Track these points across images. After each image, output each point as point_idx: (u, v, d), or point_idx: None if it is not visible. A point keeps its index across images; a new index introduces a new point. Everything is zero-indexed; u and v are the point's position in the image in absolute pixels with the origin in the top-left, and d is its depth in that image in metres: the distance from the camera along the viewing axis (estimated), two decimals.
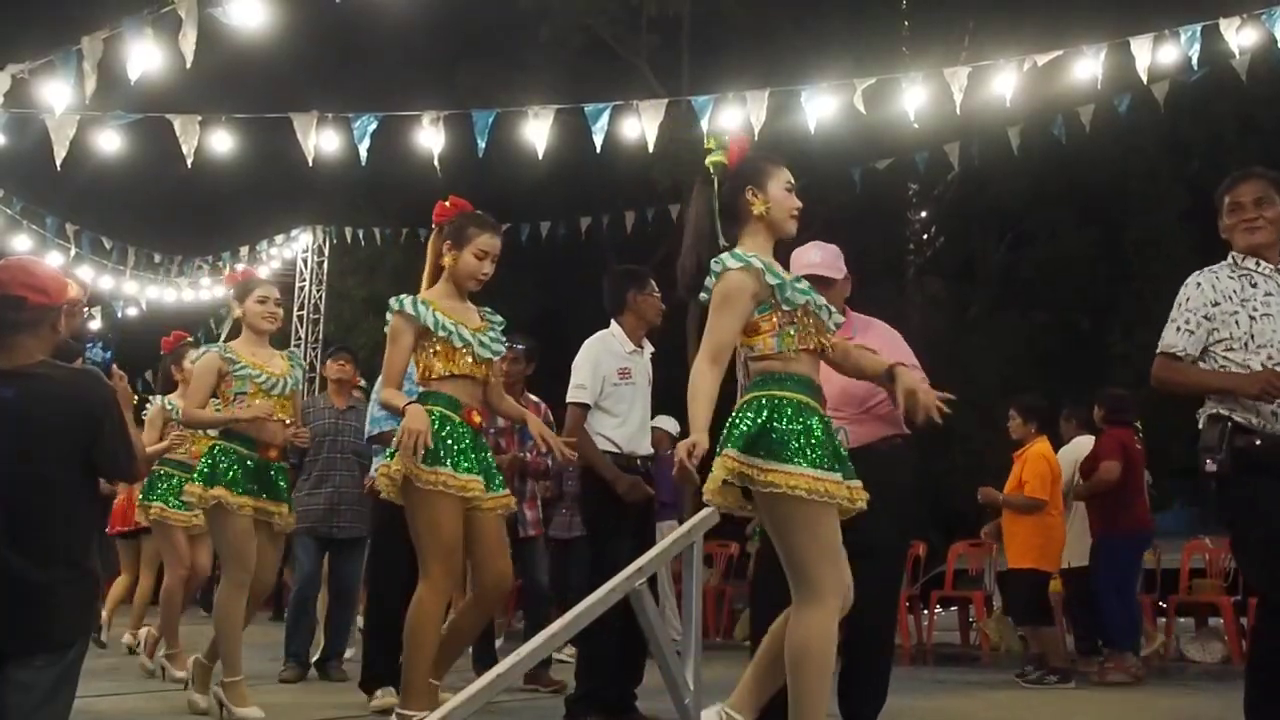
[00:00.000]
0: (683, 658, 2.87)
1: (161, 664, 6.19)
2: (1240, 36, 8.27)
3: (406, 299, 3.93)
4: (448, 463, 3.76)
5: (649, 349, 4.97)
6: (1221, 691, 6.58)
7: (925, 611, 8.93)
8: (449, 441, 3.79)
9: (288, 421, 4.79)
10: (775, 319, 3.14)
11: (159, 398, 6.29)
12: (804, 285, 3.21)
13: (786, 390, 3.07)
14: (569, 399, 4.74)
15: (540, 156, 8.58)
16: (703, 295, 3.19)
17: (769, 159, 3.39)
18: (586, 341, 4.85)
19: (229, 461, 4.64)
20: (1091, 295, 19.17)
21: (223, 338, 4.96)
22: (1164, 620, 8.62)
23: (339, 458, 6.42)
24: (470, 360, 3.91)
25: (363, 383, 7.04)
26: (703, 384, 3.03)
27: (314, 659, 6.52)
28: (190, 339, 6.45)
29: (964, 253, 20.50)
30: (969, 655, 8.88)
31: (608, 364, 4.73)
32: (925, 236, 20.03)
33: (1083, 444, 7.68)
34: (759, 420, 3.01)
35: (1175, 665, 8.20)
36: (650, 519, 4.83)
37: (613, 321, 4.92)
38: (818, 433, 3.03)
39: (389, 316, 3.93)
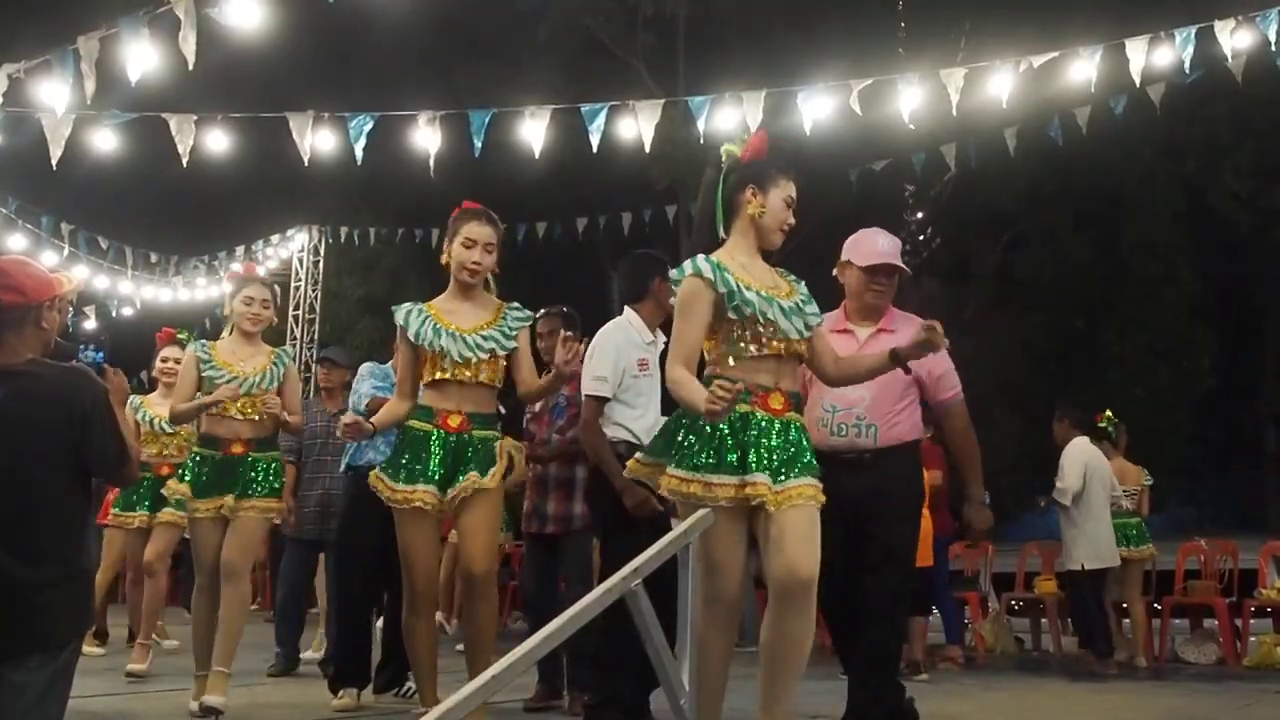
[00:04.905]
0: (679, 659, 2.86)
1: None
2: (1235, 39, 8.29)
3: (403, 309, 4.04)
4: (400, 477, 3.91)
5: (662, 339, 4.69)
6: (1217, 692, 6.59)
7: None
8: (405, 457, 3.93)
9: (257, 418, 4.84)
10: (727, 327, 3.19)
11: (133, 398, 6.30)
12: (754, 294, 3.21)
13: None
14: (587, 391, 4.51)
15: (537, 156, 8.58)
16: (671, 300, 3.29)
17: (779, 168, 3.35)
18: (604, 330, 4.64)
19: (194, 465, 4.84)
20: (1087, 297, 19.21)
21: (226, 333, 5.02)
22: (1159, 621, 8.61)
23: (330, 460, 6.43)
24: (450, 364, 3.95)
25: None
26: (689, 386, 3.10)
27: (318, 660, 6.53)
28: (182, 334, 6.42)
29: (960, 254, 20.53)
30: (964, 657, 8.88)
31: (629, 355, 4.53)
32: (921, 237, 20.06)
33: (1081, 444, 7.77)
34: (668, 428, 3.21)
35: (1170, 667, 8.20)
36: (666, 517, 4.52)
37: (628, 310, 4.70)
38: (717, 431, 3.12)
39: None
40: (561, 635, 2.60)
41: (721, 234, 3.30)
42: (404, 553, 3.95)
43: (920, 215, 19.91)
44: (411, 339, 3.97)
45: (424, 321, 3.97)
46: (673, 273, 3.27)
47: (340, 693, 5.15)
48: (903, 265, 4.00)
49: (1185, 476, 20.61)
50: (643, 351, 4.59)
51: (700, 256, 3.22)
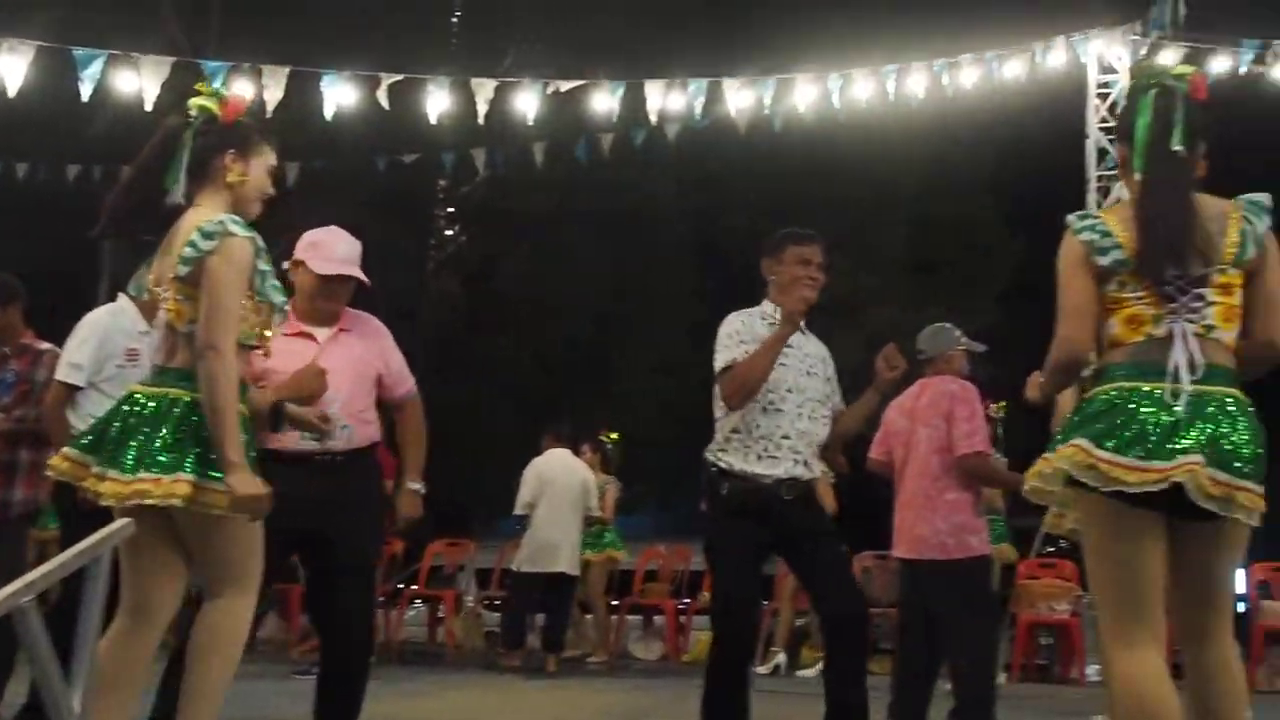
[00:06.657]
0: (71, 682, 2.63)
1: None
2: (739, 96, 9.42)
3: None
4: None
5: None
6: (658, 687, 7.21)
7: (395, 611, 8.88)
8: None
9: None
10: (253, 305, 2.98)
11: None
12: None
13: None
14: (58, 376, 4.30)
15: (11, 96, 7.69)
16: (189, 252, 2.86)
17: (264, 134, 3.16)
18: (93, 314, 4.45)
19: None
20: (601, 311, 20.36)
21: None
22: (616, 619, 9.30)
23: None
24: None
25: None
26: None
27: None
28: None
29: (485, 256, 20.95)
30: (435, 653, 9.06)
31: (117, 342, 4.31)
32: (449, 234, 20.25)
33: (543, 458, 8.22)
34: None
35: (621, 663, 8.86)
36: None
37: (122, 296, 4.42)
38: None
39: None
40: None
41: (176, 191, 2.97)
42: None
43: (450, 210, 20.09)
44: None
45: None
46: (213, 229, 2.91)
47: None
48: (362, 276, 3.83)
49: (664, 484, 22.45)
50: (134, 341, 4.33)
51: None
